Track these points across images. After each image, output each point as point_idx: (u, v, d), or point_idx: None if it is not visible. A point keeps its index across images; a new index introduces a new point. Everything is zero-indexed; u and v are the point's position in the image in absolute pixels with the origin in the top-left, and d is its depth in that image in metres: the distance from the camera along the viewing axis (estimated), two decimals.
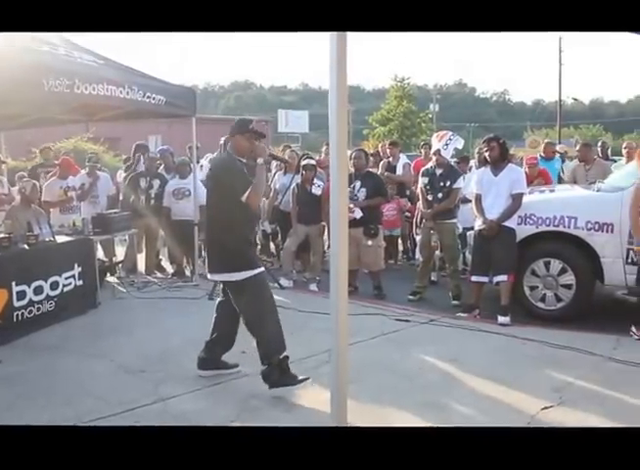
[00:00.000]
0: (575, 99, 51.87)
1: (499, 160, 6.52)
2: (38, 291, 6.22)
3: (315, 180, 8.15)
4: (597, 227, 6.28)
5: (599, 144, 12.57)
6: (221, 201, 4.57)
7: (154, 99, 7.05)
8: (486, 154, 6.59)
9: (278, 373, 4.45)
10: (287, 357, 4.52)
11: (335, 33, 2.89)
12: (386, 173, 9.47)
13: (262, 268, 4.67)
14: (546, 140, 14.51)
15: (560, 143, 23.03)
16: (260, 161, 4.57)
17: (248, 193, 4.41)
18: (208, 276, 4.87)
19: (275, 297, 7.36)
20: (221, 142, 7.93)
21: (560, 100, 42.55)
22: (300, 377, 4.49)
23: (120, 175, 10.38)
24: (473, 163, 8.89)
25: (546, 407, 4.21)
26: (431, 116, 47.67)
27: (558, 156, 11.02)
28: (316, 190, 8.07)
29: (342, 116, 3.06)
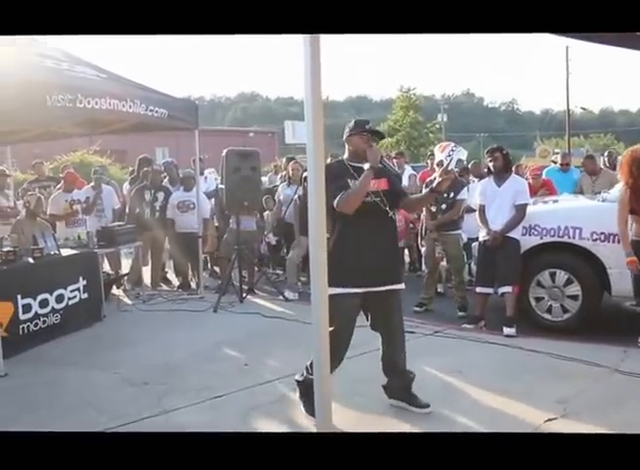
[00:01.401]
0: (584, 108, 51.67)
1: (502, 170, 6.50)
2: (44, 304, 6.26)
3: None
4: (603, 238, 6.22)
5: (606, 154, 12.45)
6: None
7: (156, 112, 7.09)
8: (490, 164, 6.58)
9: (304, 390, 4.28)
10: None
11: (307, 36, 2.82)
12: None
13: (341, 289, 4.06)
14: (557, 150, 14.27)
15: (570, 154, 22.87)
16: (367, 165, 4.04)
17: (337, 199, 3.97)
18: None
19: (279, 308, 7.49)
20: (223, 154, 7.92)
21: (568, 109, 42.18)
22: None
23: (126, 188, 10.44)
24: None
25: (550, 419, 4.17)
26: (439, 126, 47.38)
27: (573, 167, 10.67)
28: None
29: (319, 123, 3.03)
